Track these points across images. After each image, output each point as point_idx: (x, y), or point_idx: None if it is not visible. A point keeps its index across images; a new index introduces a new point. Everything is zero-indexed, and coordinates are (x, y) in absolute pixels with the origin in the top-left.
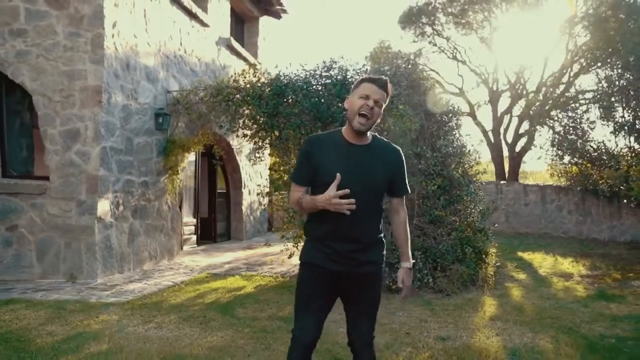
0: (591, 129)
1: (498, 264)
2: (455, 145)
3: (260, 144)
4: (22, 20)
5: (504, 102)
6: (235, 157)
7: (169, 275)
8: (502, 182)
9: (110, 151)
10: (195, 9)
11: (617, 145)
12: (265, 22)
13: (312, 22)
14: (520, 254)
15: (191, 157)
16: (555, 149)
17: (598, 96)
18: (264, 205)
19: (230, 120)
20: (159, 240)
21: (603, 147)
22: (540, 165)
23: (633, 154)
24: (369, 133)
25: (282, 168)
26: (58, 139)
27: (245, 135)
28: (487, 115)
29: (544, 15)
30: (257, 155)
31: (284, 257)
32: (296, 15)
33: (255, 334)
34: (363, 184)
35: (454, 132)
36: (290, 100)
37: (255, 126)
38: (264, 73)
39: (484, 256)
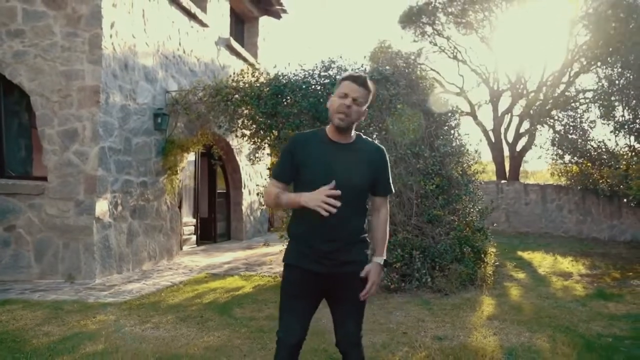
0: (591, 128)
1: (497, 263)
2: (454, 145)
3: (259, 144)
4: (20, 20)
5: (504, 102)
6: (235, 157)
7: (168, 275)
8: (502, 181)
9: (108, 151)
10: (194, 9)
11: (617, 145)
12: (265, 22)
13: (312, 22)
14: (520, 253)
15: (191, 157)
16: (555, 148)
17: (597, 96)
18: (264, 205)
19: (229, 120)
20: (158, 240)
21: (603, 146)
22: (541, 165)
23: (633, 153)
24: (353, 132)
25: None
26: (56, 139)
27: (244, 136)
28: (488, 115)
29: (544, 14)
30: (256, 155)
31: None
32: (296, 15)
33: (252, 334)
34: (345, 182)
35: (453, 132)
36: (289, 100)
37: (254, 126)
38: (262, 73)
39: (482, 256)
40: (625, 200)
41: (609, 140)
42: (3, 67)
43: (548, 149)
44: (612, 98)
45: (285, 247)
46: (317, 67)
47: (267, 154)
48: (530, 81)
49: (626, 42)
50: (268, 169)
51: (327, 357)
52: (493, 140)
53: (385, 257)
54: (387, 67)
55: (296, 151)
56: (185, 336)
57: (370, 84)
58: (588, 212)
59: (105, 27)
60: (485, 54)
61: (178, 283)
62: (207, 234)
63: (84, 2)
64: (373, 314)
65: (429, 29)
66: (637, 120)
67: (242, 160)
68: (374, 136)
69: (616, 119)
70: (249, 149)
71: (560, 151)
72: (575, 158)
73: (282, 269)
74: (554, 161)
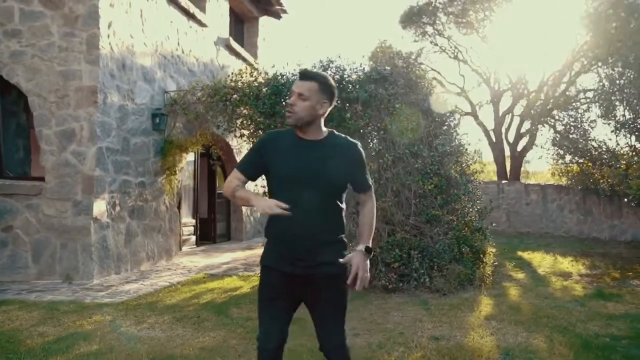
0: (592, 127)
1: (496, 263)
2: (453, 144)
3: None
4: (17, 20)
5: (505, 102)
6: (235, 157)
7: (166, 275)
8: (503, 181)
9: (106, 151)
10: (192, 9)
11: (617, 144)
12: (265, 22)
13: (312, 22)
14: (519, 253)
15: (190, 157)
16: (556, 148)
17: (597, 96)
18: None
19: (228, 120)
20: (157, 240)
21: (604, 146)
22: (543, 166)
23: (633, 153)
24: (324, 129)
25: None
26: (53, 139)
27: (242, 136)
28: (489, 115)
29: (545, 14)
30: None
31: None
32: (296, 15)
33: (248, 334)
34: (315, 180)
35: (452, 131)
36: (287, 100)
37: (252, 126)
38: (261, 73)
39: (481, 256)
40: (625, 200)
41: (610, 140)
42: (0, 67)
43: (549, 149)
44: (613, 98)
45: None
46: (315, 66)
47: None
48: (531, 81)
49: (627, 41)
50: None
51: (322, 357)
52: (494, 140)
53: (369, 245)
54: (387, 67)
55: (265, 150)
56: (181, 336)
57: (318, 75)
58: (589, 212)
59: (102, 27)
60: (486, 53)
61: (176, 283)
62: (207, 235)
63: (81, 2)
64: (370, 314)
65: (429, 29)
66: (638, 120)
67: None
68: (373, 136)
69: (617, 118)
70: (249, 149)
71: (561, 151)
72: (576, 158)
73: None
74: (554, 161)
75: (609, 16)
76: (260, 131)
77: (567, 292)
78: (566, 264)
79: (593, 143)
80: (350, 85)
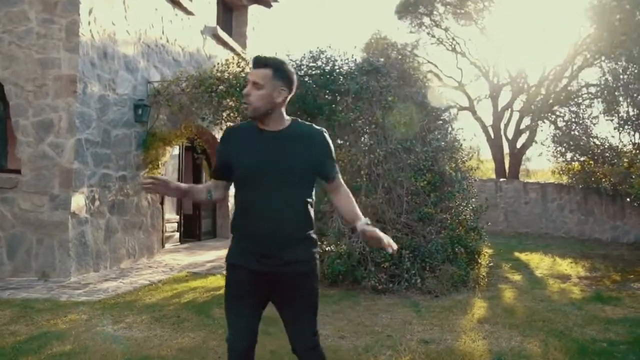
0: (593, 124)
1: (492, 264)
2: (447, 140)
3: None
4: None
5: (504, 97)
6: None
7: (147, 274)
8: (501, 179)
9: (85, 143)
10: None
11: (621, 142)
12: (254, 11)
13: (304, 11)
14: (517, 254)
15: (175, 151)
16: (556, 145)
17: (600, 91)
18: None
19: (214, 112)
20: (138, 237)
21: (606, 144)
22: (544, 164)
23: (637, 150)
24: (287, 118)
25: None
26: (30, 130)
27: None
28: (487, 110)
29: (547, 5)
30: None
31: None
32: (287, 3)
33: None
34: (277, 172)
35: (447, 126)
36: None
37: (239, 118)
38: (248, 63)
39: (476, 256)
40: (628, 199)
41: (612, 137)
42: None
43: (549, 146)
44: (616, 93)
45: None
46: (305, 57)
47: None
48: (531, 75)
49: (631, 34)
50: None
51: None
52: (492, 136)
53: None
54: (380, 59)
55: (225, 147)
56: (159, 337)
57: (272, 60)
58: (590, 212)
59: (83, 13)
60: (485, 46)
61: (157, 282)
62: (192, 232)
63: None
64: (358, 315)
65: (426, 20)
66: None
67: None
68: (364, 130)
69: (620, 114)
70: None
71: (561, 148)
72: (577, 155)
73: None
74: (555, 158)
75: (613, 8)
76: None
77: (565, 295)
78: (565, 265)
79: (595, 140)
80: (341, 77)
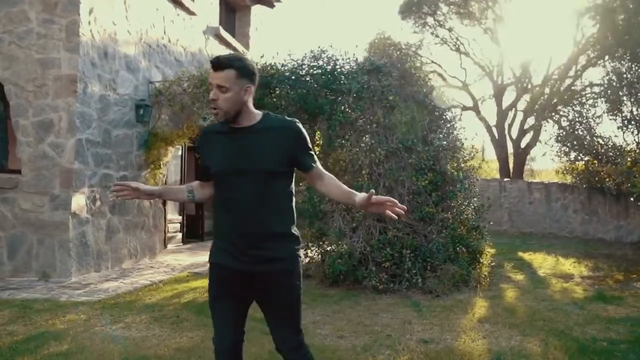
0: (597, 123)
1: (494, 264)
2: (449, 139)
3: None
4: None
5: (508, 97)
6: None
7: (148, 274)
8: (505, 179)
9: (86, 143)
10: None
11: (624, 141)
12: (257, 11)
13: (308, 11)
14: (520, 254)
15: (178, 151)
16: (560, 145)
17: (603, 91)
18: None
19: None
20: (140, 237)
21: (610, 143)
22: (548, 164)
23: None
24: (257, 112)
25: None
26: (30, 130)
27: None
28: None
29: (550, 4)
30: None
31: None
32: (291, 4)
33: None
34: (250, 169)
35: (449, 125)
36: (277, 92)
37: None
38: None
39: (478, 256)
40: (632, 199)
41: (616, 136)
42: None
43: (552, 146)
44: (620, 93)
45: None
46: (306, 56)
47: None
48: (535, 75)
49: (635, 34)
50: None
51: None
52: (496, 136)
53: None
54: (383, 58)
55: (202, 149)
56: (157, 337)
57: (233, 59)
58: (594, 211)
59: (83, 13)
60: (489, 46)
61: (157, 282)
62: (194, 232)
63: None
64: (358, 315)
65: (430, 20)
66: None
67: None
68: (366, 129)
69: (623, 114)
70: None
71: (565, 148)
72: (581, 155)
73: None
74: (559, 158)
75: (616, 8)
76: None
77: (567, 295)
78: (568, 265)
79: (599, 140)
80: (342, 77)
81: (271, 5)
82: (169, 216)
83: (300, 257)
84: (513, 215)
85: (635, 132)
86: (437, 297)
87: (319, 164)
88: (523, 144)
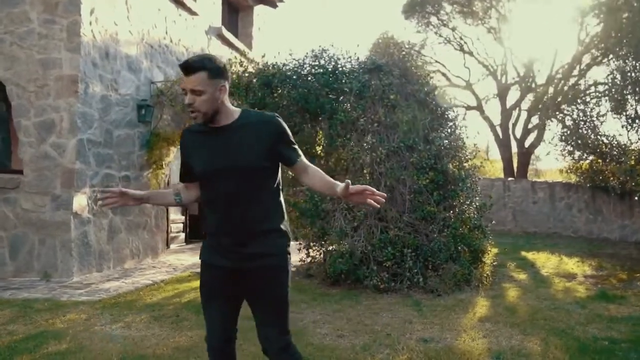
0: (600, 122)
1: (496, 263)
2: (451, 138)
3: None
4: None
5: (512, 96)
6: None
7: (150, 274)
8: (509, 179)
9: (87, 144)
10: None
11: (629, 140)
12: (260, 11)
13: (311, 11)
14: (524, 253)
15: None
16: (564, 144)
17: (607, 90)
18: None
19: None
20: (142, 237)
21: (615, 142)
22: (553, 163)
23: None
24: (235, 109)
25: None
26: (32, 130)
27: None
28: (495, 110)
29: (554, 3)
30: None
31: None
32: (294, 4)
33: None
34: (232, 167)
35: (450, 124)
36: (279, 91)
37: None
38: (251, 61)
39: (480, 255)
40: (637, 198)
41: (620, 135)
42: None
43: (556, 145)
44: (625, 92)
45: None
46: (307, 56)
47: None
48: (539, 74)
49: (639, 32)
50: None
51: (303, 358)
52: (500, 136)
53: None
54: (384, 57)
55: (184, 150)
56: (157, 336)
57: (202, 61)
58: (598, 211)
59: (84, 13)
60: (493, 45)
61: (159, 282)
62: (197, 232)
63: None
64: (358, 314)
65: (433, 19)
66: None
67: None
68: (368, 128)
69: (628, 112)
70: None
71: (570, 147)
72: (585, 154)
73: None
74: (563, 157)
75: (620, 6)
76: None
77: (569, 294)
78: (571, 264)
79: (603, 138)
80: (344, 76)
81: (274, 5)
82: (172, 216)
83: (289, 254)
84: (517, 214)
85: None
86: (438, 297)
87: (303, 157)
88: (527, 143)
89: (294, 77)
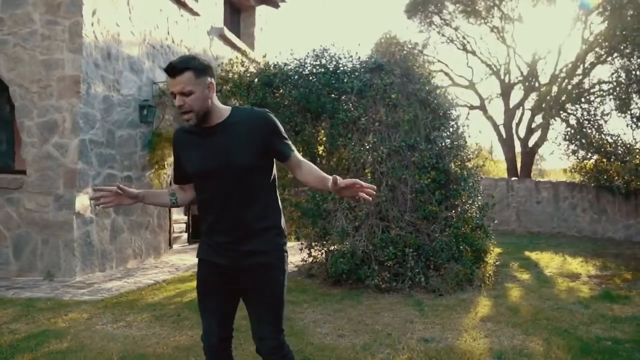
0: (605, 121)
1: (499, 263)
2: (452, 137)
3: None
4: None
5: (516, 95)
6: None
7: (152, 273)
8: (513, 178)
9: (89, 144)
10: None
11: (634, 139)
12: (262, 11)
13: (313, 11)
14: (527, 253)
15: None
16: (568, 143)
17: (612, 88)
18: None
19: None
20: (144, 237)
21: (619, 141)
22: (558, 163)
23: None
24: (225, 107)
25: None
26: (35, 131)
27: None
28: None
29: (558, 1)
30: None
31: None
32: (296, 4)
33: None
34: (225, 165)
35: (452, 123)
36: (280, 91)
37: None
38: (252, 61)
39: (482, 254)
40: None
41: (625, 134)
42: None
43: (560, 144)
44: (629, 90)
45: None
46: (308, 55)
47: None
48: (543, 73)
49: None
50: None
51: (302, 357)
52: (504, 135)
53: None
54: (385, 56)
55: (177, 151)
56: (157, 335)
57: (187, 62)
58: (603, 210)
59: (86, 14)
60: (496, 44)
61: (161, 281)
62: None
63: None
64: (359, 314)
65: (436, 19)
66: None
67: None
68: (369, 128)
69: (632, 111)
70: None
71: (574, 146)
72: (590, 154)
73: None
74: (567, 157)
75: (625, 4)
76: None
77: (573, 294)
78: (575, 264)
79: (607, 138)
80: (345, 76)
81: (276, 6)
82: (175, 216)
83: (286, 252)
84: (521, 214)
85: None
86: (440, 296)
87: (296, 152)
88: (531, 143)
89: (296, 76)
